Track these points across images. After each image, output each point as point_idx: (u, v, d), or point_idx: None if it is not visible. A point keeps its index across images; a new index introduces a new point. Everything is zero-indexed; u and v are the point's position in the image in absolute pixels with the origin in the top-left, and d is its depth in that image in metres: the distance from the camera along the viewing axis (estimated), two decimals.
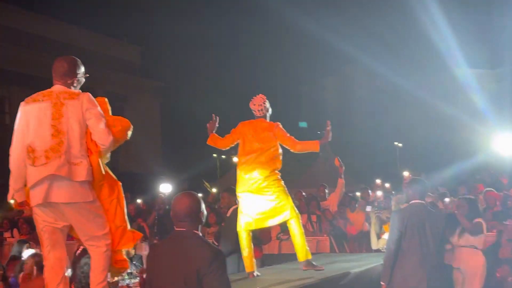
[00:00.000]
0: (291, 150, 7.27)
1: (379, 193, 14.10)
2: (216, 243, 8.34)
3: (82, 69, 5.93)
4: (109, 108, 5.90)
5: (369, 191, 14.96)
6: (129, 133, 5.87)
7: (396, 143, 54.05)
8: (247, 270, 7.24)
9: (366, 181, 25.59)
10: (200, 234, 4.24)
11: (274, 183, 7.08)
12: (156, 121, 46.44)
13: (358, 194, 15.98)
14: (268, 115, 7.57)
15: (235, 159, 45.28)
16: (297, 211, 7.21)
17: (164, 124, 47.74)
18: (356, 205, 13.41)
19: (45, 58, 35.64)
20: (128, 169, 38.94)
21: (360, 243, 11.56)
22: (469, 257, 7.81)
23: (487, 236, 9.86)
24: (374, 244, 9.51)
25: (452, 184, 18.67)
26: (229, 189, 8.21)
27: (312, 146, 7.16)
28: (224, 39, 62.77)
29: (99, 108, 5.52)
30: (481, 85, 37.36)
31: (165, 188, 11.09)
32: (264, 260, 9.38)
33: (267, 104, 7.59)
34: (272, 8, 47.62)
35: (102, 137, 5.33)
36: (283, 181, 7.23)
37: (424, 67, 50.57)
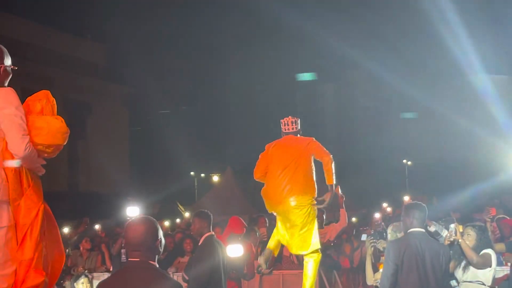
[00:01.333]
0: (324, 164, 7.92)
1: (377, 215, 14.17)
2: (187, 277, 8.35)
3: (9, 60, 5.64)
4: (53, 104, 5.64)
5: (375, 216, 15.10)
6: (64, 136, 5.55)
7: (404, 160, 54.31)
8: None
9: (370, 204, 25.72)
10: (157, 265, 4.25)
11: (305, 211, 7.77)
12: (123, 132, 46.36)
13: (353, 220, 16.04)
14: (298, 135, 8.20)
15: (215, 178, 45.64)
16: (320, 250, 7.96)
17: (133, 136, 47.70)
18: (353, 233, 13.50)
19: None
20: (90, 188, 38.93)
21: (355, 277, 11.57)
22: None
23: (501, 270, 9.92)
24: (370, 278, 9.50)
25: (467, 209, 18.78)
26: (201, 214, 8.20)
27: (328, 179, 7.87)
28: (208, 40, 62.99)
29: (16, 107, 5.12)
30: (500, 93, 37.62)
31: (132, 211, 11.10)
32: None
33: (299, 125, 8.23)
34: (264, 6, 47.89)
35: (13, 146, 4.93)
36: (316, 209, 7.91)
37: (437, 73, 51.10)
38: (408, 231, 6.75)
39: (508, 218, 11.08)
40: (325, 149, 7.95)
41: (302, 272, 11.55)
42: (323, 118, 70.53)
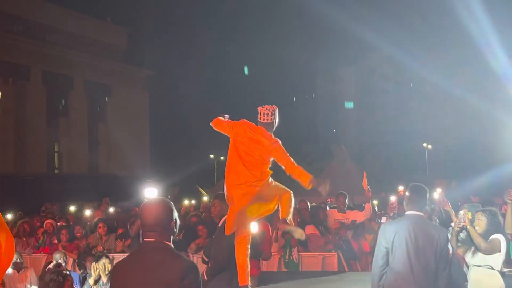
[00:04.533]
0: (286, 172, 7.47)
1: (393, 198, 14.04)
2: (206, 259, 8.41)
3: None
4: None
5: (391, 199, 15.01)
6: None
7: (425, 144, 54.06)
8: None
9: (389, 188, 25.61)
10: (172, 246, 4.27)
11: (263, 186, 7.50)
12: (144, 116, 46.47)
13: (375, 202, 16.01)
14: (273, 127, 7.75)
15: None
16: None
17: (153, 119, 47.87)
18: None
19: (18, 40, 35.95)
20: (110, 171, 39.14)
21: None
22: (484, 279, 7.83)
23: None
24: None
25: (487, 193, 18.70)
26: (221, 196, 8.22)
27: (305, 178, 7.33)
28: (226, 22, 63.05)
29: None
30: None
31: (150, 193, 11.14)
32: (261, 279, 9.46)
33: (277, 117, 7.77)
34: None
35: None
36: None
37: (458, 57, 50.57)
38: (405, 213, 6.73)
39: None
40: (287, 154, 7.51)
41: (322, 255, 11.68)
42: (342, 101, 70.28)
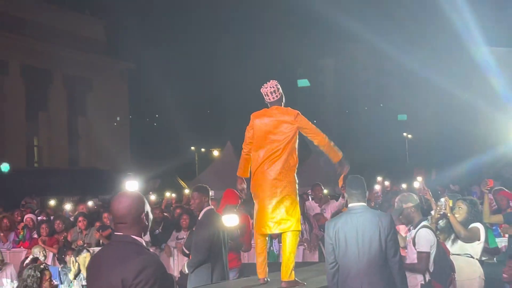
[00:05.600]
0: (317, 145, 7.50)
1: (377, 187, 14.09)
2: (187, 251, 8.42)
3: None
4: None
5: (375, 188, 15.07)
6: None
7: (405, 134, 54.33)
8: (260, 276, 7.60)
9: (370, 178, 25.70)
10: (140, 240, 4.18)
11: (288, 185, 7.42)
12: (124, 108, 46.32)
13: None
14: (283, 100, 7.70)
15: (215, 153, 45.60)
16: (299, 225, 7.54)
17: (133, 111, 47.75)
18: None
19: None
20: (91, 165, 38.96)
21: None
22: (463, 267, 7.84)
23: (500, 241, 9.95)
24: None
25: (466, 182, 18.86)
26: (200, 188, 8.25)
27: (336, 154, 7.49)
28: (207, 12, 62.80)
29: None
30: (501, 66, 37.48)
31: (131, 186, 11.11)
32: (242, 270, 9.49)
33: (281, 89, 7.72)
34: None
35: None
36: (297, 182, 7.53)
37: (439, 47, 50.89)
38: (349, 206, 6.65)
39: (505, 189, 11.09)
40: (314, 126, 7.54)
41: (303, 246, 11.68)
42: (323, 92, 70.44)
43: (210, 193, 8.33)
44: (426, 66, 48.21)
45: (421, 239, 7.29)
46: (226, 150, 31.72)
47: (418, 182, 10.91)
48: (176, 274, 11.54)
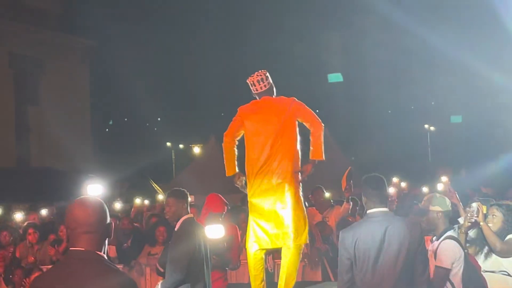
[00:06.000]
0: (311, 132, 7.83)
1: (392, 190, 14.06)
2: (161, 269, 8.44)
3: None
4: None
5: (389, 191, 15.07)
6: None
7: (426, 126, 54.45)
8: None
9: (385, 178, 25.77)
10: (105, 257, 4.17)
11: (291, 190, 7.73)
12: (84, 95, 46.14)
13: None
14: (273, 91, 8.07)
15: (196, 150, 45.54)
16: (306, 238, 7.95)
17: (96, 99, 47.59)
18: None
19: None
20: (44, 164, 38.82)
21: None
22: (499, 286, 7.80)
23: None
24: None
25: (501, 184, 18.88)
26: (176, 193, 8.22)
27: (319, 151, 7.84)
28: None
29: None
30: None
31: (94, 190, 11.10)
32: None
33: (270, 79, 8.05)
34: None
35: None
36: (301, 186, 7.88)
37: (469, 20, 50.82)
38: (367, 212, 6.57)
39: None
40: (313, 113, 7.90)
41: (303, 262, 11.74)
42: (327, 74, 70.45)
43: (190, 199, 8.33)
44: (453, 44, 48.24)
45: (442, 252, 7.31)
46: (209, 147, 31.73)
47: (442, 183, 10.90)
48: None
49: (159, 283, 8.23)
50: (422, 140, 52.89)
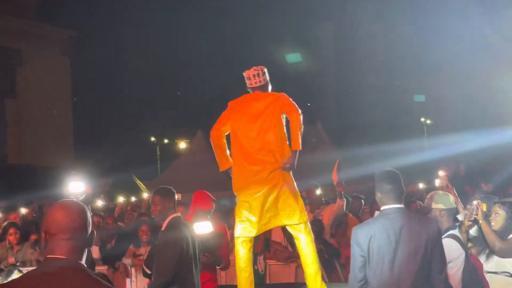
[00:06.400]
0: (291, 123, 8.08)
1: None
2: (148, 271, 8.41)
3: None
4: None
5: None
6: None
7: (423, 119, 54.51)
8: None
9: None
10: (85, 266, 4.07)
11: (280, 174, 8.06)
12: (65, 89, 46.06)
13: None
14: (267, 88, 8.37)
15: (182, 145, 45.47)
16: (308, 222, 8.20)
17: (77, 92, 47.47)
18: (360, 214, 13.62)
19: None
20: (22, 161, 38.78)
21: None
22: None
23: None
24: None
25: (502, 180, 18.86)
26: (163, 191, 8.17)
27: (296, 142, 8.05)
28: None
29: None
30: None
31: (76, 188, 11.05)
32: None
33: (267, 76, 8.37)
34: None
35: None
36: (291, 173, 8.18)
37: (464, 8, 50.94)
38: (381, 209, 6.56)
39: None
40: (295, 105, 8.14)
41: (296, 263, 11.76)
42: (319, 66, 70.46)
43: (176, 197, 8.30)
44: (448, 35, 48.33)
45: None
46: (196, 142, 31.72)
47: (439, 179, 10.87)
48: None
49: (146, 285, 8.20)
50: (418, 133, 52.91)
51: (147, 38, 58.08)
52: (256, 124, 8.05)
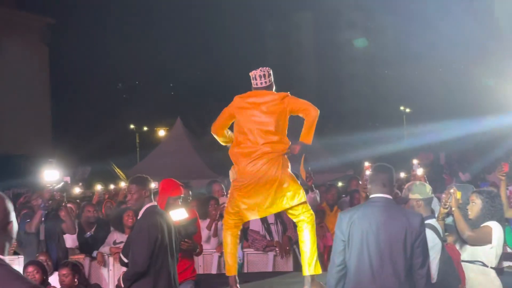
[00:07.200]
0: (305, 117, 8.31)
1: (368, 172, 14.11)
2: (125, 260, 8.37)
3: None
4: None
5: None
6: None
7: (402, 107, 54.60)
8: (231, 273, 8.42)
9: (357, 164, 25.82)
10: (6, 261, 3.88)
11: (280, 161, 8.25)
12: (43, 76, 45.80)
13: (339, 184, 16.18)
14: (272, 89, 8.46)
15: (161, 133, 45.37)
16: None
17: (55, 80, 47.18)
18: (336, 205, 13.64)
19: None
20: (0, 149, 38.61)
21: None
22: (475, 278, 7.80)
23: None
24: None
25: (479, 169, 18.92)
26: (139, 179, 8.15)
27: (309, 135, 8.32)
28: None
29: None
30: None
31: (52, 176, 10.98)
32: (198, 283, 9.47)
33: (272, 76, 8.47)
34: None
35: None
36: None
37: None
38: (370, 197, 6.69)
39: None
40: (308, 102, 8.38)
41: (275, 251, 11.85)
42: (299, 55, 70.49)
43: (153, 186, 8.29)
44: (429, 19, 48.39)
45: None
46: (176, 130, 31.62)
47: (422, 169, 10.96)
48: None
49: (121, 275, 8.19)
50: (397, 122, 52.98)
51: (126, 26, 57.84)
52: (261, 117, 8.25)
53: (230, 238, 8.52)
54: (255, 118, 8.26)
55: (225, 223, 8.63)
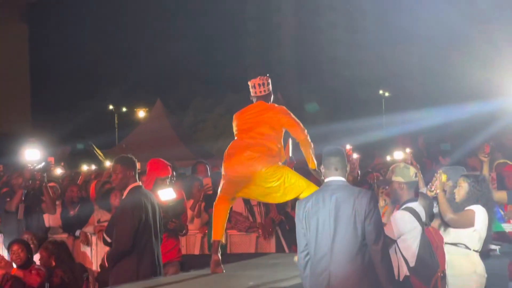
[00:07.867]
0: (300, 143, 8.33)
1: (354, 156, 14.13)
2: (109, 239, 8.39)
3: None
4: None
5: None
6: None
7: (381, 91, 54.60)
8: (216, 237, 8.24)
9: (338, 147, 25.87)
10: None
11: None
12: (22, 55, 45.60)
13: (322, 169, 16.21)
14: (271, 98, 8.48)
15: (141, 113, 45.26)
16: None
17: (35, 59, 46.98)
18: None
19: None
20: None
21: None
22: (457, 261, 7.87)
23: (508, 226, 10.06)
24: None
25: (460, 153, 18.98)
26: (124, 160, 8.17)
27: (311, 160, 8.30)
28: None
29: None
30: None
31: (32, 155, 10.99)
32: (182, 264, 9.50)
33: (271, 85, 8.48)
34: None
35: None
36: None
37: None
38: (324, 181, 6.79)
39: (510, 163, 11.19)
40: (299, 122, 8.34)
41: (257, 233, 11.94)
42: (279, 38, 70.37)
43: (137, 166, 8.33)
44: (408, 8, 48.43)
45: (392, 222, 7.42)
46: (156, 110, 31.58)
47: (402, 153, 10.99)
48: (94, 268, 11.53)
49: (105, 254, 8.22)
50: (376, 106, 53.08)
51: (107, 5, 57.54)
52: (254, 123, 8.25)
53: (222, 207, 8.39)
54: (248, 125, 8.34)
55: (219, 200, 8.43)
